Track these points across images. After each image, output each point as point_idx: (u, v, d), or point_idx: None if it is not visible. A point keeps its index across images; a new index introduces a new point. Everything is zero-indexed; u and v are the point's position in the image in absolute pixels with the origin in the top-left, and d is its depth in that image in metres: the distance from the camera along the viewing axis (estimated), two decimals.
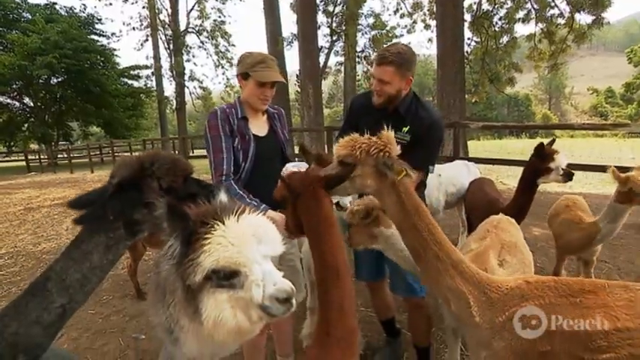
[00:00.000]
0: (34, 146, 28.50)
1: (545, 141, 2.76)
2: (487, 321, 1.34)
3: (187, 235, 0.99)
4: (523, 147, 18.01)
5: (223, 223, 0.99)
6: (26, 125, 26.19)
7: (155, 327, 1.23)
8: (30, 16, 23.91)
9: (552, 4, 12.18)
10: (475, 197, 3.58)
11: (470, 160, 8.94)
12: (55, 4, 25.24)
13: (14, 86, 23.72)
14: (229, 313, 0.97)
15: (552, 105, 58.05)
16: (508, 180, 9.49)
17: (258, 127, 2.12)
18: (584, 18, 11.82)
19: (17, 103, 25.72)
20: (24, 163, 21.26)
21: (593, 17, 11.38)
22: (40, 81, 23.59)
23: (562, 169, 2.63)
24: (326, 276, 1.27)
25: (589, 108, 54.53)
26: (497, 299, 1.34)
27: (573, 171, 2.70)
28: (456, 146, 7.63)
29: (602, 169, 6.98)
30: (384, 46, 2.17)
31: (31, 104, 25.29)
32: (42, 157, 22.63)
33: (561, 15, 12.21)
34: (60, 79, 24.10)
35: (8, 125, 25.10)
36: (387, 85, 1.99)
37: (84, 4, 28.59)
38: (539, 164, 2.66)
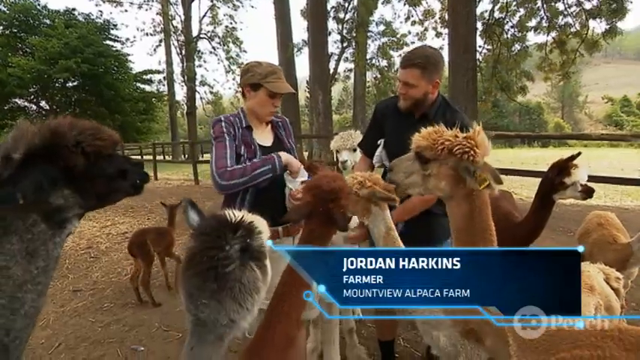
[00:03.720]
0: None
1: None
2: None
3: None
4: (536, 156, 17.61)
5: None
6: None
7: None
8: (49, 22, 24.55)
9: (565, 12, 11.97)
10: None
11: None
12: (74, 10, 25.87)
13: (31, 90, 24.37)
14: None
15: (565, 114, 56.95)
16: (521, 190, 9.27)
17: (264, 137, 2.09)
18: (597, 26, 11.58)
19: (34, 106, 26.38)
20: None
21: (608, 27, 11.14)
22: (57, 85, 24.19)
23: (580, 184, 2.47)
24: (286, 292, 1.25)
25: (604, 117, 53.23)
26: (541, 340, 1.18)
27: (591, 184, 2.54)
28: None
29: (623, 181, 6.71)
30: (411, 49, 2.13)
31: (47, 107, 25.88)
32: None
33: (572, 25, 11.96)
34: (75, 83, 24.69)
35: None
36: (413, 88, 1.92)
37: (100, 11, 29.26)
38: (554, 178, 2.51)
